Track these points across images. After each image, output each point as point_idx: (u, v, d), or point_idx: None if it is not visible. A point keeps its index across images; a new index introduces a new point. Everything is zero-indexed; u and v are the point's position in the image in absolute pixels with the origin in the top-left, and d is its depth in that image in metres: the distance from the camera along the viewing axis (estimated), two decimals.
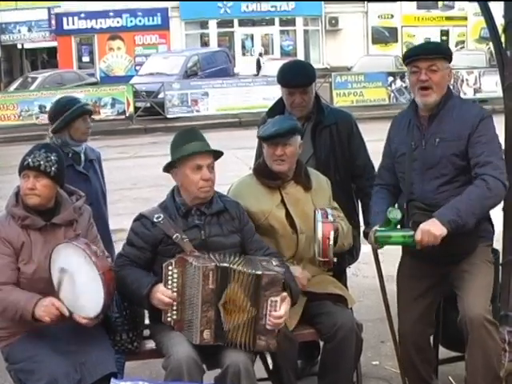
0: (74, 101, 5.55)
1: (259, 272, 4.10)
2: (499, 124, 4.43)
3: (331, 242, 4.36)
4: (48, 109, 5.76)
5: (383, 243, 4.38)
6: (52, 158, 4.25)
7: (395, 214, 4.29)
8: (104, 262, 4.10)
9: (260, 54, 35.20)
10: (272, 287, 4.11)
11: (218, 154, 4.40)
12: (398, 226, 4.36)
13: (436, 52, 4.35)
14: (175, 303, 4.15)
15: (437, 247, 4.14)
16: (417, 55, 4.33)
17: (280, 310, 4.11)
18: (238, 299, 4.12)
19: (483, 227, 4.41)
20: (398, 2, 37.69)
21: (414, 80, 4.35)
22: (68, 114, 5.34)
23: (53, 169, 4.22)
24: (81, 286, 4.07)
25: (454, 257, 4.33)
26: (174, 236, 4.26)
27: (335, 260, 4.48)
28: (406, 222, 4.34)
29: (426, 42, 4.57)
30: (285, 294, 4.17)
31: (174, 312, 4.17)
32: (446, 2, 37.75)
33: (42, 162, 4.20)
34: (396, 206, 4.44)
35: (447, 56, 4.38)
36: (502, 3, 4.75)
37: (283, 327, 4.30)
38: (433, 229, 4.09)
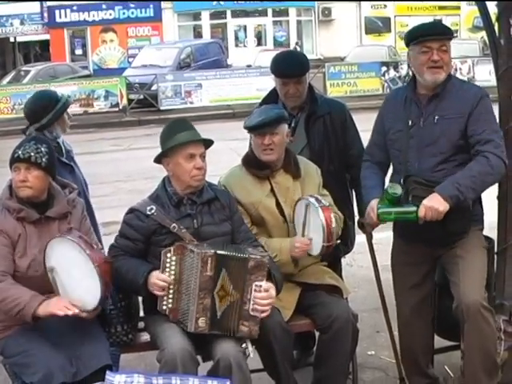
0: (55, 94, 5.52)
1: (245, 255, 4.13)
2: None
3: (334, 225, 4.38)
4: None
5: (385, 220, 4.37)
6: (42, 149, 4.23)
7: (396, 188, 4.27)
8: (99, 254, 4.09)
9: (297, 43, 35.14)
10: (257, 271, 4.13)
11: (208, 143, 4.40)
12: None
13: (446, 33, 4.41)
14: (171, 291, 4.16)
15: (432, 225, 4.16)
16: (429, 35, 4.33)
17: (264, 300, 4.14)
18: (226, 285, 4.13)
19: (475, 209, 4.42)
20: None
21: (424, 59, 4.32)
22: (60, 107, 5.32)
23: (43, 160, 4.20)
24: (77, 279, 4.06)
25: (447, 238, 4.34)
26: (172, 226, 4.26)
27: (338, 242, 4.49)
28: (405, 197, 4.33)
29: (431, 22, 4.60)
30: (270, 283, 4.19)
31: (170, 300, 4.17)
32: None
33: (32, 154, 4.19)
34: (400, 181, 4.41)
35: (452, 37, 4.45)
36: None
37: (278, 317, 4.31)
38: (436, 204, 4.12)
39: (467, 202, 4.20)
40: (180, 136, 4.30)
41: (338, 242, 4.53)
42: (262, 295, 4.14)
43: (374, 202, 4.39)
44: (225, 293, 4.14)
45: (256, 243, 4.45)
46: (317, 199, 4.46)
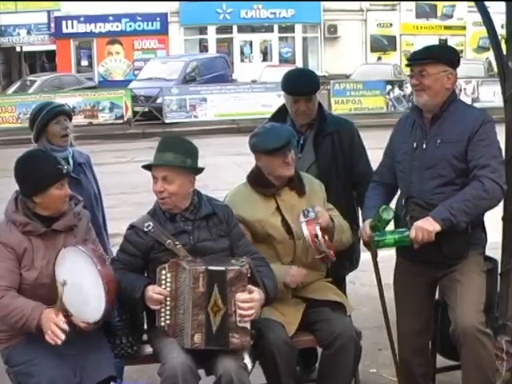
0: (46, 105, 5.39)
1: (223, 267, 4.13)
2: (498, 134, 4.45)
3: (320, 238, 4.40)
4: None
5: (380, 247, 4.43)
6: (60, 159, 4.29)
7: (387, 213, 4.35)
8: (109, 271, 4.09)
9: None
10: (237, 282, 4.12)
11: (183, 168, 4.33)
12: (388, 227, 4.41)
13: (425, 57, 4.40)
14: (168, 307, 4.17)
15: (430, 247, 4.20)
16: (412, 59, 4.44)
17: (246, 303, 4.12)
18: (217, 299, 4.13)
19: (476, 234, 4.42)
20: (397, 11, 37.81)
21: (411, 82, 4.47)
22: (40, 120, 5.23)
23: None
24: (84, 290, 4.07)
25: (444, 261, 4.36)
26: (167, 242, 4.28)
27: (331, 252, 4.49)
28: (404, 217, 4.37)
29: (424, 47, 4.62)
30: (253, 287, 4.17)
31: (168, 316, 4.19)
32: (444, 11, 37.82)
33: (65, 166, 4.22)
34: (390, 205, 4.50)
35: (442, 60, 4.38)
36: (504, 15, 4.76)
37: (282, 332, 4.32)
38: (426, 225, 4.17)
39: (461, 225, 4.20)
40: (156, 155, 4.36)
41: (331, 253, 4.51)
42: (242, 297, 4.11)
43: (366, 223, 4.49)
44: (217, 308, 4.14)
45: (257, 255, 4.45)
46: (305, 213, 4.49)
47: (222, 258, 4.32)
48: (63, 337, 3.92)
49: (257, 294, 4.18)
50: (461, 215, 4.16)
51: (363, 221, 5.04)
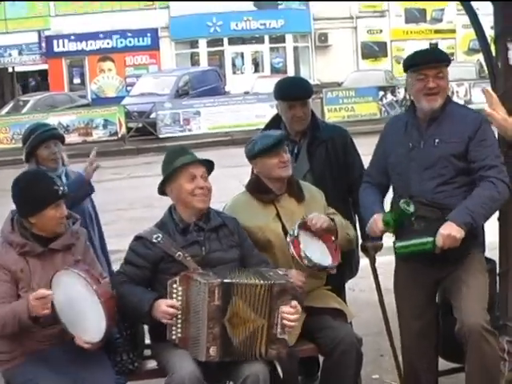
0: (37, 127, 5.39)
1: (270, 281, 4.15)
2: None
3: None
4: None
5: (403, 254, 4.39)
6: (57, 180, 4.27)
7: (409, 205, 4.27)
8: (105, 289, 4.09)
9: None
10: (283, 296, 4.15)
11: (209, 165, 4.45)
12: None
13: (442, 59, 4.46)
14: (179, 320, 4.16)
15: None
16: (425, 63, 4.37)
17: (292, 315, 4.17)
18: (241, 311, 4.13)
19: (477, 232, 4.45)
20: (387, 17, 37.88)
21: (420, 87, 4.38)
22: (29, 143, 5.24)
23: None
24: (82, 312, 4.07)
25: (448, 259, 4.35)
26: (177, 255, 4.27)
27: (334, 264, 4.52)
28: (409, 217, 4.35)
29: (428, 49, 4.65)
30: (295, 301, 4.21)
31: (179, 330, 4.17)
32: (434, 15, 37.89)
33: (61, 188, 4.20)
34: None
35: (449, 63, 4.48)
36: (491, 16, 4.78)
37: (284, 343, 4.32)
38: (453, 232, 4.16)
39: (478, 227, 4.28)
40: (178, 161, 4.35)
41: (333, 265, 4.54)
42: (290, 310, 4.15)
43: (377, 216, 4.43)
44: (240, 320, 4.14)
45: (270, 266, 4.47)
46: (290, 232, 4.49)
47: (258, 270, 4.32)
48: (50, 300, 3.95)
49: (299, 307, 4.23)
50: (480, 218, 4.23)
51: (362, 226, 5.05)
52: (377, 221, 4.42)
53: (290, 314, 4.15)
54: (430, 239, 4.23)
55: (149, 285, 4.36)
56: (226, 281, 4.12)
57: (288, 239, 4.47)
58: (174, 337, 4.18)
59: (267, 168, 4.67)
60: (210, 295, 4.08)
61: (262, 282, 4.15)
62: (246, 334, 4.15)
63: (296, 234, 4.45)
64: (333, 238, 4.58)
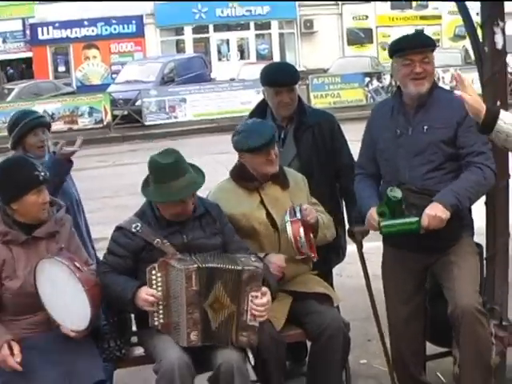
0: (25, 115, 5.37)
1: (239, 267, 4.14)
2: None
3: (302, 240, 4.41)
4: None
5: (388, 233, 4.37)
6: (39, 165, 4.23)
7: (396, 192, 4.26)
8: (89, 277, 4.09)
9: None
10: (252, 282, 4.15)
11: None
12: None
13: (428, 44, 4.46)
14: (161, 306, 4.16)
15: (421, 234, 4.22)
16: (410, 48, 4.37)
17: (260, 301, 4.15)
18: (221, 297, 4.15)
19: (466, 217, 4.48)
20: (372, 4, 37.85)
21: (406, 72, 4.38)
22: (17, 131, 5.21)
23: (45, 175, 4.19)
24: (67, 300, 4.06)
25: (438, 245, 4.37)
26: (155, 241, 4.28)
27: (312, 255, 4.53)
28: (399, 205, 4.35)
29: (413, 34, 4.67)
30: (265, 288, 4.20)
31: (161, 316, 4.18)
32: (419, 1, 37.90)
33: (42, 173, 4.16)
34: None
35: (435, 47, 4.49)
36: (477, 3, 4.76)
37: (270, 328, 4.32)
38: (439, 213, 4.18)
39: (464, 210, 4.31)
40: (166, 189, 4.26)
41: (312, 255, 4.55)
42: (260, 301, 4.15)
43: (372, 210, 4.40)
44: (220, 305, 4.15)
45: (250, 251, 4.46)
46: (292, 211, 4.50)
47: (222, 255, 4.31)
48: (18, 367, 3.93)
49: (269, 296, 4.22)
50: (465, 201, 4.25)
51: (349, 211, 5.04)
52: (372, 214, 4.41)
53: (259, 305, 4.14)
54: (416, 219, 4.23)
55: (132, 274, 4.34)
56: (203, 266, 4.12)
57: (288, 218, 4.46)
58: (156, 323, 4.19)
59: (254, 163, 4.66)
60: (187, 281, 4.09)
61: (231, 267, 4.15)
62: (222, 319, 4.17)
63: (300, 217, 4.45)
64: (311, 235, 4.56)
